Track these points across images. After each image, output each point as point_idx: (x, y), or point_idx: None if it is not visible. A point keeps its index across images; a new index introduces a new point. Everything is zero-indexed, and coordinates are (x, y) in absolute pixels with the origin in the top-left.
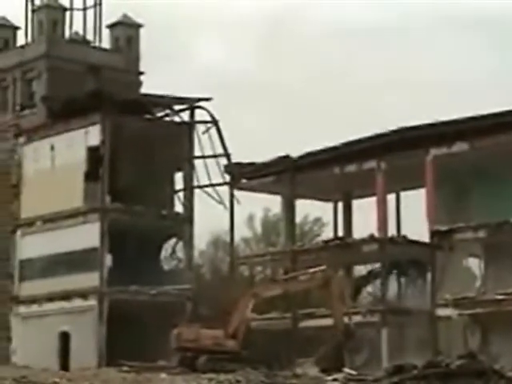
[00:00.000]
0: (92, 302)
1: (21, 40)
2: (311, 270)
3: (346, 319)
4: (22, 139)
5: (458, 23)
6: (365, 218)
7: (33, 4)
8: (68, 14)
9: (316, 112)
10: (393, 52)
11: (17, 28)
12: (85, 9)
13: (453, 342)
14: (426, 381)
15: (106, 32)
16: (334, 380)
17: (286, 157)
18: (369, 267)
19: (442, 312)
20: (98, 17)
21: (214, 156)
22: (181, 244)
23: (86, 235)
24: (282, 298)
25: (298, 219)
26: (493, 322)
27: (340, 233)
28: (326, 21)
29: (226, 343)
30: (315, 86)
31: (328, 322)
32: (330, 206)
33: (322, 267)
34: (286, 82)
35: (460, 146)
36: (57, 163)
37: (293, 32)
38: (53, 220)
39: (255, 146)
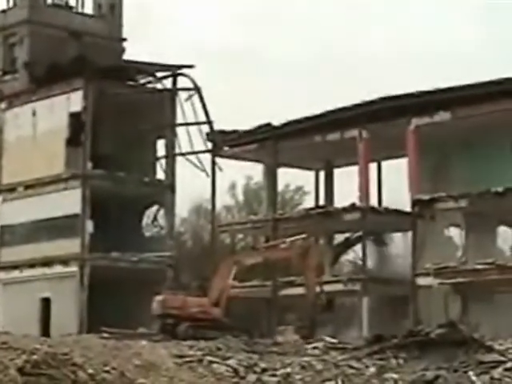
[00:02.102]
0: (73, 268)
1: (2, 4)
2: (291, 239)
3: (319, 289)
4: (3, 105)
5: None
6: (347, 186)
7: None
8: None
9: (299, 80)
10: (378, 24)
11: None
12: None
13: (433, 311)
14: (405, 350)
15: None
16: (315, 348)
17: (268, 125)
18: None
19: (422, 281)
20: None
21: (197, 123)
22: (162, 211)
23: (68, 201)
24: (263, 265)
25: (280, 187)
26: (473, 291)
27: (321, 201)
28: None
29: (212, 311)
30: (299, 53)
31: (304, 290)
32: (311, 174)
33: (302, 236)
34: (270, 50)
35: (442, 116)
36: (38, 129)
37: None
38: (34, 186)
39: (238, 114)
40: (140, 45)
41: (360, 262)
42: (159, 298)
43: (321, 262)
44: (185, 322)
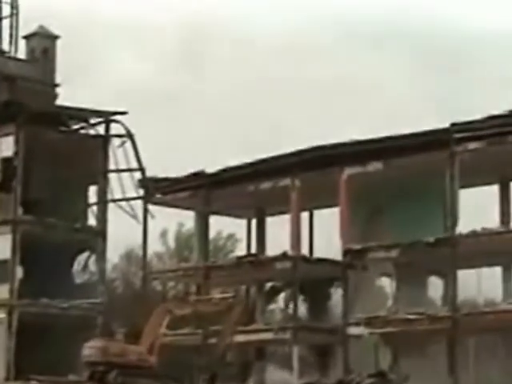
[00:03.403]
0: (1, 314)
1: None
2: (219, 296)
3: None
4: None
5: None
6: (278, 235)
7: None
8: None
9: (233, 125)
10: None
11: None
12: (0, 19)
13: (364, 361)
14: None
15: (22, 43)
16: None
17: (201, 172)
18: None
19: (353, 330)
20: (15, 27)
21: (129, 170)
22: (93, 257)
23: None
24: (194, 316)
25: (212, 235)
26: (403, 341)
27: (253, 249)
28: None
29: (149, 359)
30: (233, 98)
31: (237, 339)
32: (243, 222)
33: (230, 294)
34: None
35: (374, 166)
36: None
37: (208, 43)
38: None
39: (170, 161)
40: (73, 90)
41: (291, 311)
42: (99, 344)
43: (243, 318)
44: (123, 369)
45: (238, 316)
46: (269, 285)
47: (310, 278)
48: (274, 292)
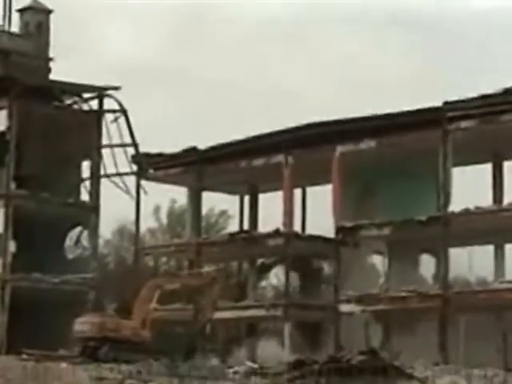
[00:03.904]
0: None
1: None
2: (204, 270)
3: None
4: None
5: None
6: (271, 212)
7: None
8: None
9: (227, 102)
10: (313, 48)
11: None
12: None
13: (355, 338)
14: (326, 376)
15: (15, 16)
16: (235, 373)
17: (194, 148)
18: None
19: (344, 308)
20: (8, 1)
21: (122, 145)
22: (86, 233)
23: None
24: (184, 291)
25: (204, 211)
26: (395, 318)
27: (246, 226)
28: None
29: (142, 334)
30: (227, 76)
31: (227, 314)
32: (236, 198)
33: (212, 268)
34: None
35: (367, 143)
36: None
37: (205, 21)
38: None
39: (164, 137)
40: (67, 64)
41: (282, 288)
42: (95, 319)
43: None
44: (118, 344)
45: (220, 290)
46: (260, 261)
47: (302, 254)
48: (265, 268)
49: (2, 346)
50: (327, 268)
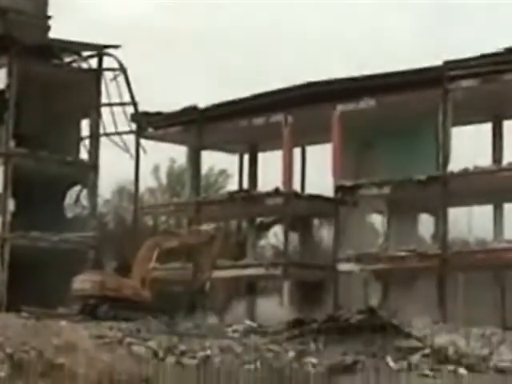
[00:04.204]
0: None
1: None
2: (203, 228)
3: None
4: None
5: None
6: (270, 171)
7: None
8: None
9: (223, 61)
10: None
11: None
12: None
13: (353, 297)
14: (325, 334)
15: None
16: (235, 331)
17: (194, 107)
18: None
19: (343, 267)
20: None
21: (121, 104)
22: (85, 192)
23: None
24: (184, 249)
25: (204, 170)
26: (393, 278)
27: (245, 185)
28: None
29: (142, 293)
30: (229, 37)
31: (226, 273)
32: (235, 158)
33: (210, 227)
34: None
35: (367, 102)
36: None
37: None
38: None
39: (163, 95)
40: (66, 22)
41: (281, 247)
42: (96, 278)
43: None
44: (118, 303)
45: (218, 249)
46: (259, 219)
47: (301, 214)
48: (264, 227)
49: (2, 304)
50: (326, 227)
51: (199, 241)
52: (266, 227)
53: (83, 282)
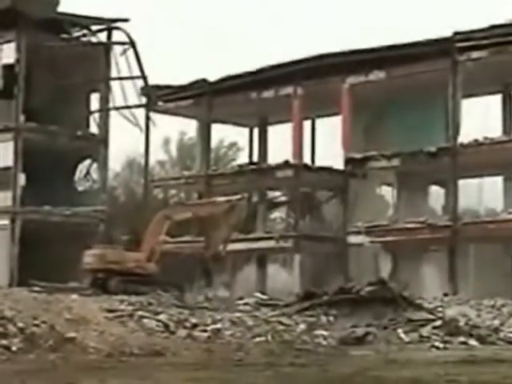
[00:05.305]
0: (5, 221)
1: None
2: (222, 198)
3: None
4: None
5: None
6: (280, 143)
7: None
8: None
9: (234, 36)
10: None
11: None
12: None
13: (364, 269)
14: (336, 307)
15: None
16: (245, 304)
17: (203, 80)
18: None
19: (353, 239)
20: None
21: (131, 78)
22: (95, 165)
23: (0, 154)
24: (196, 221)
25: (214, 143)
26: (403, 250)
27: (255, 158)
28: None
29: (147, 266)
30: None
31: (237, 246)
32: (245, 130)
33: (237, 196)
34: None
35: (377, 75)
36: None
37: None
38: None
39: (173, 69)
40: None
41: (292, 220)
42: (97, 251)
43: (241, 221)
44: (122, 276)
45: (238, 218)
46: (270, 195)
47: (311, 186)
48: (274, 206)
49: (13, 278)
50: (336, 200)
51: (218, 211)
52: (275, 206)
53: (89, 256)
